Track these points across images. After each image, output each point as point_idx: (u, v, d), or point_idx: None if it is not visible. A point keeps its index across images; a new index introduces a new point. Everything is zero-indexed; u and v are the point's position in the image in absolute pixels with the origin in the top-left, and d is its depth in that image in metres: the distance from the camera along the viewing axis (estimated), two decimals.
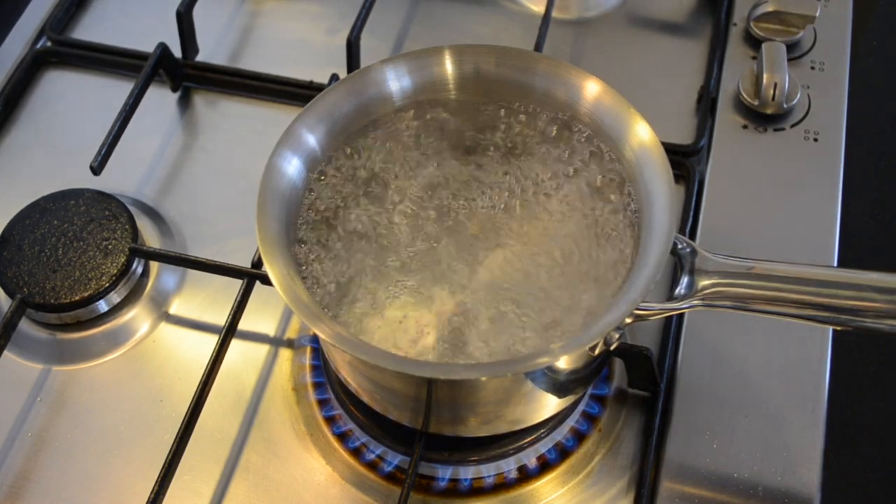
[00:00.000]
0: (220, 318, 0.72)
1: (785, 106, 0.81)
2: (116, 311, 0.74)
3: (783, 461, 0.66)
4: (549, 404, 0.62)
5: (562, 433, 0.68)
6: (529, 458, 0.67)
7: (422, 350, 0.57)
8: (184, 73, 0.87)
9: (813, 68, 0.85)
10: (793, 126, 0.82)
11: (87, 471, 0.68)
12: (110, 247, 0.74)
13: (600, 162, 0.63)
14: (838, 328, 0.65)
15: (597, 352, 0.61)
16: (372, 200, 0.63)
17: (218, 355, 0.68)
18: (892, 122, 1.05)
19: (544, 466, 0.67)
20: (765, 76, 0.80)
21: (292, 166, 0.61)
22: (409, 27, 0.92)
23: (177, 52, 0.87)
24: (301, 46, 0.91)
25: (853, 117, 0.82)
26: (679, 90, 0.86)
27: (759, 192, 0.78)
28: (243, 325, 0.72)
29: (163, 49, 0.85)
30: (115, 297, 0.74)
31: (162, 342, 0.74)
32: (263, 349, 0.73)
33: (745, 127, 0.82)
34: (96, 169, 0.77)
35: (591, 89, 0.63)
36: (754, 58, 0.86)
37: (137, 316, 0.74)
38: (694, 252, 0.60)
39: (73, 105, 0.87)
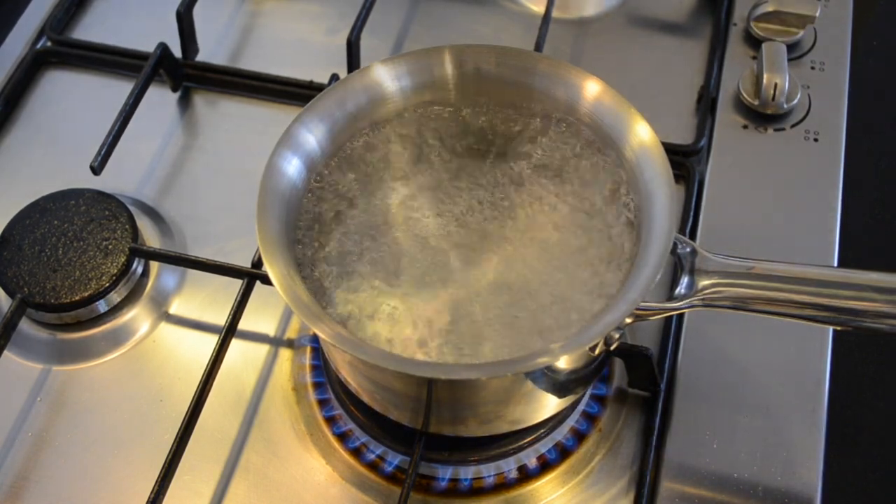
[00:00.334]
0: (220, 318, 0.72)
1: (785, 106, 0.81)
2: (116, 311, 0.74)
3: (783, 461, 0.66)
4: (550, 404, 0.62)
5: (562, 433, 0.68)
6: (529, 458, 0.67)
7: (422, 350, 0.57)
8: (184, 73, 0.87)
9: (813, 68, 0.85)
10: (793, 126, 0.81)
11: (87, 471, 0.68)
12: (110, 247, 0.74)
13: (600, 162, 0.63)
14: (838, 328, 0.65)
15: (597, 352, 0.61)
16: (372, 201, 0.63)
17: (218, 355, 0.68)
18: (892, 122, 1.04)
19: (544, 466, 0.67)
20: (765, 76, 0.80)
21: (292, 166, 0.61)
22: (409, 27, 0.92)
23: (177, 52, 0.87)
24: (301, 46, 0.91)
25: (853, 117, 0.82)
26: (679, 90, 0.86)
27: (759, 192, 0.78)
28: (243, 324, 0.72)
29: (163, 49, 0.85)
30: (116, 297, 0.74)
31: (162, 342, 0.74)
32: (263, 349, 0.73)
33: (745, 127, 0.82)
34: (96, 169, 0.77)
35: (591, 89, 0.63)
36: (754, 58, 0.86)
37: (137, 316, 0.75)
38: (694, 252, 0.60)
39: (73, 105, 0.87)
